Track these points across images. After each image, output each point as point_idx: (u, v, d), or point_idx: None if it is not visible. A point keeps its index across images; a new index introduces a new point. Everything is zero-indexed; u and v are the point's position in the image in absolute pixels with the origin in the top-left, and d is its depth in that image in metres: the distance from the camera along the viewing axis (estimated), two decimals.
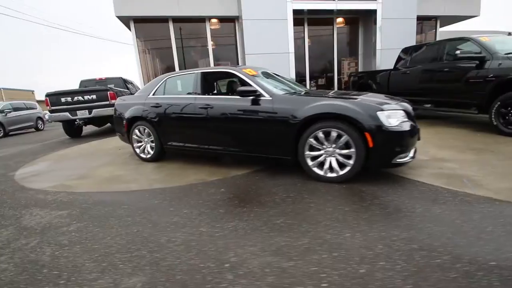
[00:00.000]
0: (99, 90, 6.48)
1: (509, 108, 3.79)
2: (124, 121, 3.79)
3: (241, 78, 2.95)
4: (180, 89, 3.50)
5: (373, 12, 8.31)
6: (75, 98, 6.34)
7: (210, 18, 7.95)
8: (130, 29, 7.72)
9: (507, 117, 3.82)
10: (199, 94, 3.19)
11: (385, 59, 8.33)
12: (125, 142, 4.10)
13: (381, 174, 2.60)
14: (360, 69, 9.32)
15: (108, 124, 7.75)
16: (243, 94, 2.72)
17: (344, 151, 2.39)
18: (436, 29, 9.70)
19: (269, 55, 7.64)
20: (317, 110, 2.40)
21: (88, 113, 6.42)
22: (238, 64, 8.43)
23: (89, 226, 1.93)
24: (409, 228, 1.62)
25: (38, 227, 1.97)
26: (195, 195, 2.44)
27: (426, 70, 5.19)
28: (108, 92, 6.49)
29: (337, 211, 1.90)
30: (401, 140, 2.28)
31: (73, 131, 7.12)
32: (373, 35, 8.50)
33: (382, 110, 2.26)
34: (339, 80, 9.30)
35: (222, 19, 8.06)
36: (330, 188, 2.35)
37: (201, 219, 1.93)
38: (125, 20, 7.41)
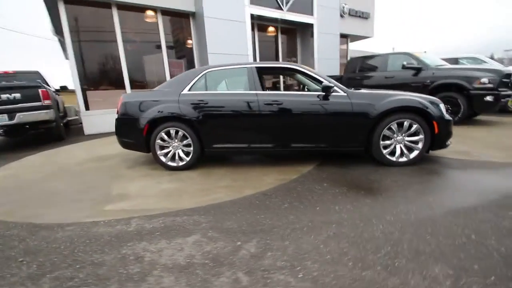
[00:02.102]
0: (26, 86, 4.66)
1: None
2: (143, 124, 3.01)
3: (310, 74, 2.97)
4: (228, 84, 3.12)
5: (310, 26, 9.55)
6: None
7: (162, 10, 7.06)
8: (52, 18, 5.86)
9: None
10: (259, 90, 2.97)
11: (321, 67, 9.72)
12: (135, 150, 3.25)
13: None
14: None
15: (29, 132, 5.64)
16: (327, 90, 2.77)
17: (413, 138, 2.86)
18: (347, 44, 12.08)
19: (229, 55, 7.52)
20: (399, 104, 2.77)
21: (8, 118, 4.50)
22: (194, 63, 7.84)
23: (268, 243, 1.58)
24: None
25: (240, 263, 1.42)
26: (307, 193, 2.33)
27: (374, 76, 6.53)
28: (40, 90, 4.77)
29: (454, 186, 2.32)
30: (450, 127, 2.94)
31: None
32: (311, 46, 9.76)
33: (442, 103, 2.87)
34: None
35: (175, 13, 7.30)
36: (409, 170, 2.77)
37: (367, 211, 1.93)
38: (52, 2, 5.57)
